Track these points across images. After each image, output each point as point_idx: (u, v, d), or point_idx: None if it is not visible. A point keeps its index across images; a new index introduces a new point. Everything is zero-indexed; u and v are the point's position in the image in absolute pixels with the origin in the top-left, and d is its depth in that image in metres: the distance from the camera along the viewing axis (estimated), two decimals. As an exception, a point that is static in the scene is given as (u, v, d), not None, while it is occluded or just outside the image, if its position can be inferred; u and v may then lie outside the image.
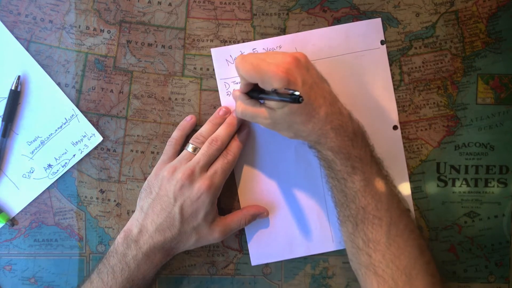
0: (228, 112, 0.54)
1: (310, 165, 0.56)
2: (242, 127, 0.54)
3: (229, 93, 0.55)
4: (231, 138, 0.53)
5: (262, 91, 0.47)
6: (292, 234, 0.56)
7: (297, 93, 0.40)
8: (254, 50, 0.55)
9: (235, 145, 0.53)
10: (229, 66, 0.55)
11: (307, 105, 0.46)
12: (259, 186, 0.56)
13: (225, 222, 0.53)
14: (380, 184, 0.49)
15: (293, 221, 0.56)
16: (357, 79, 0.55)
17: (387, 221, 0.48)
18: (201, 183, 0.50)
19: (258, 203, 0.56)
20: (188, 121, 0.55)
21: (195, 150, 0.52)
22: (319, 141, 0.48)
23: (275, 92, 0.43)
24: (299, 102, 0.40)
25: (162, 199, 0.50)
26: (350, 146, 0.48)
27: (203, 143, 0.52)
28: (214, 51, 0.55)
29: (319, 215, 0.56)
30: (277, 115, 0.47)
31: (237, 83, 0.55)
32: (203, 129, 0.53)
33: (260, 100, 0.49)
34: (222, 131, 0.52)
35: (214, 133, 0.52)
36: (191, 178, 0.50)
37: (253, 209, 0.55)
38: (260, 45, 0.55)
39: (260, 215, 0.55)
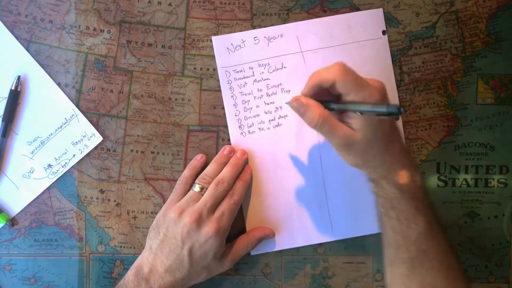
0: (232, 151, 0.55)
1: (310, 154, 0.55)
2: (245, 168, 0.55)
3: (230, 81, 0.55)
4: (236, 178, 0.53)
5: (340, 102, 0.44)
6: (292, 223, 0.56)
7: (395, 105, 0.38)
8: (255, 38, 0.55)
9: (240, 185, 0.53)
10: (230, 55, 0.55)
11: (392, 131, 0.46)
12: (259, 174, 0.56)
13: (233, 252, 0.53)
14: (440, 227, 0.48)
15: (292, 210, 0.56)
16: (359, 69, 0.54)
17: (447, 265, 0.47)
18: (209, 227, 0.50)
19: (257, 192, 0.56)
20: (198, 160, 0.55)
21: (202, 190, 0.52)
22: (386, 175, 0.47)
23: (365, 103, 0.41)
24: (400, 112, 0.38)
25: (170, 241, 0.50)
26: (415, 187, 0.47)
27: (209, 183, 0.52)
28: (215, 39, 0.55)
29: (318, 204, 0.56)
30: (357, 137, 0.45)
31: (238, 71, 0.55)
32: (209, 169, 0.54)
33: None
34: (227, 173, 0.53)
35: (219, 173, 0.53)
36: (198, 221, 0.50)
37: (259, 232, 0.55)
38: (262, 33, 0.55)
39: (266, 237, 0.55)
